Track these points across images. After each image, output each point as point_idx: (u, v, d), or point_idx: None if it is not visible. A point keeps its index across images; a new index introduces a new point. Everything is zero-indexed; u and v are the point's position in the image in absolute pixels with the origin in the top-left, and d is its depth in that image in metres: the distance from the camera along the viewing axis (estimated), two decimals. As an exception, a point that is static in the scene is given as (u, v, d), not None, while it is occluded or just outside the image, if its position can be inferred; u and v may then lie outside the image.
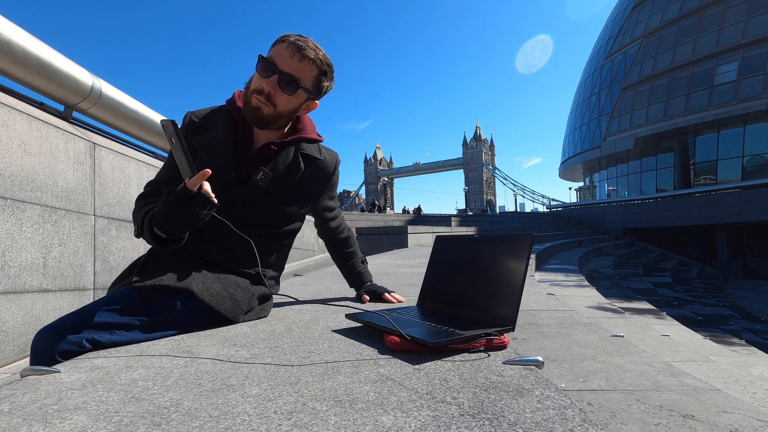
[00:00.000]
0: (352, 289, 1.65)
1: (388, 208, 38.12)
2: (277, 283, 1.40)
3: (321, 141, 1.36)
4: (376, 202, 35.47)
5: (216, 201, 1.07)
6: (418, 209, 35.87)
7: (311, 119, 1.36)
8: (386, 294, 1.55)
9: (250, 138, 1.25)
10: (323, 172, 1.35)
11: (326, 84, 1.24)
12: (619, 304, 5.44)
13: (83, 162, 2.58)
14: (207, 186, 1.05)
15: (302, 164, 1.27)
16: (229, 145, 1.21)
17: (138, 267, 1.15)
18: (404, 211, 37.47)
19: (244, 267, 1.22)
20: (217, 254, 1.20)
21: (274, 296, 1.38)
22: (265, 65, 1.15)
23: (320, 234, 1.58)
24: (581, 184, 38.22)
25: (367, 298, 1.54)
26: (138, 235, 1.15)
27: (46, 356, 0.91)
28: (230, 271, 1.20)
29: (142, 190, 1.26)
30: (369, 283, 1.61)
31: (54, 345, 0.92)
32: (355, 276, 1.61)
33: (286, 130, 1.28)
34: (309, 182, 1.32)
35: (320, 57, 1.18)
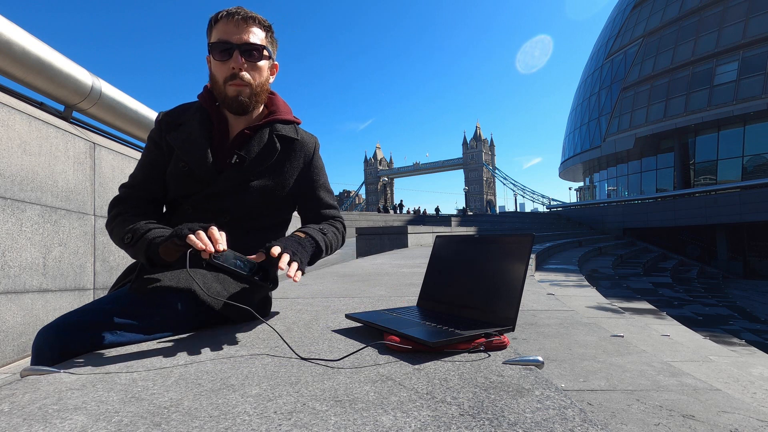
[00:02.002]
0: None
1: (390, 209, 38.18)
2: (275, 279, 1.36)
3: (298, 123, 1.32)
4: (403, 204, 36.45)
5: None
6: (437, 210, 36.30)
7: (285, 102, 1.32)
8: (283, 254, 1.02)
9: (225, 128, 1.23)
10: (302, 153, 1.29)
11: (274, 39, 1.24)
12: (619, 304, 5.44)
13: (83, 162, 2.58)
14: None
15: (278, 144, 1.23)
16: (204, 139, 1.19)
17: (138, 268, 1.15)
18: (416, 211, 37.64)
19: None
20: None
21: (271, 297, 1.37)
22: (220, 48, 1.13)
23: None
24: (581, 184, 38.25)
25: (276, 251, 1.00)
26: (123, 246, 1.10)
27: (47, 356, 0.91)
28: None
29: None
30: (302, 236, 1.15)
31: (55, 345, 0.92)
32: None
33: (260, 111, 1.26)
34: (288, 164, 1.26)
35: (259, 17, 1.18)
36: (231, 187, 1.18)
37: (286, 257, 0.99)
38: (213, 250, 0.92)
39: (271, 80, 1.26)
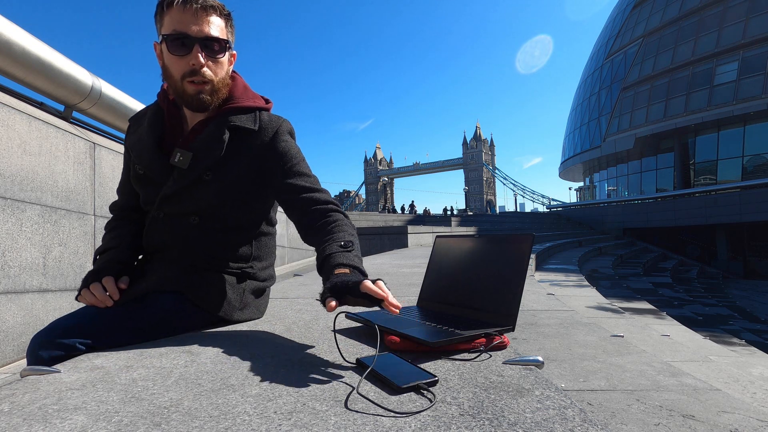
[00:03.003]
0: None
1: (399, 210, 38.08)
2: (270, 274, 1.30)
3: (265, 108, 1.17)
4: (414, 206, 36.57)
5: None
6: (445, 210, 36.46)
7: (246, 84, 1.19)
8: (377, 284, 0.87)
9: (180, 126, 1.15)
10: (260, 139, 1.12)
11: (233, 27, 1.13)
12: (619, 304, 5.44)
13: (83, 162, 2.58)
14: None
15: (226, 134, 1.09)
16: (152, 138, 1.12)
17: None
18: (425, 212, 37.74)
19: (225, 264, 1.16)
20: (191, 257, 1.14)
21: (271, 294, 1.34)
22: (177, 42, 1.02)
23: (300, 227, 1.14)
24: (581, 184, 38.25)
25: (333, 304, 0.82)
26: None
27: (41, 361, 0.90)
28: (213, 271, 1.15)
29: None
30: (345, 271, 0.92)
31: (49, 350, 0.91)
32: (326, 258, 0.98)
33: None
34: (243, 154, 1.12)
35: (218, 3, 1.06)
36: (184, 187, 1.09)
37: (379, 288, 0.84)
38: (110, 303, 1.01)
39: (230, 70, 1.15)
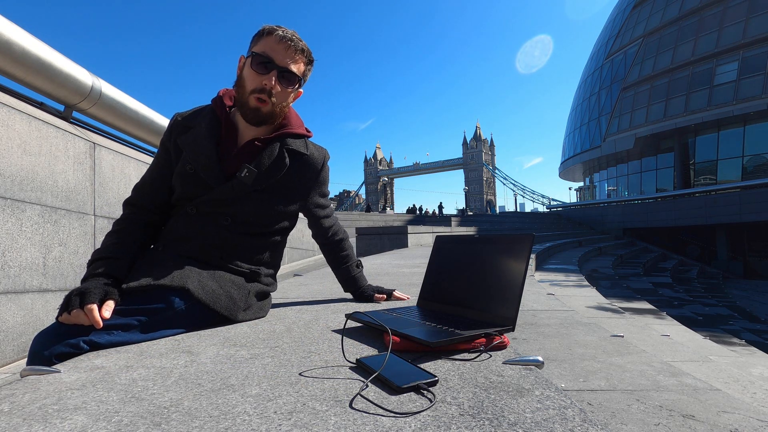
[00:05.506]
0: (347, 293, 1.63)
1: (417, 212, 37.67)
2: (274, 280, 1.38)
3: (309, 136, 1.35)
4: (443, 206, 36.68)
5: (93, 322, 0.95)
6: (462, 210, 36.06)
7: (297, 114, 1.35)
8: (394, 293, 1.59)
9: (234, 135, 1.25)
10: (310, 169, 1.34)
11: (310, 72, 1.30)
12: (619, 304, 5.44)
13: (83, 162, 2.58)
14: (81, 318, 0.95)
15: (287, 160, 1.25)
16: (211, 143, 1.21)
17: (133, 268, 1.14)
18: (433, 213, 37.50)
19: (237, 265, 1.22)
20: (209, 254, 1.20)
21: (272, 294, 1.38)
22: (262, 63, 1.17)
23: (314, 235, 1.54)
24: (581, 184, 38.25)
25: (383, 297, 1.55)
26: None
27: (43, 359, 0.90)
28: (224, 270, 1.20)
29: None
30: (366, 286, 1.59)
31: (52, 348, 0.91)
32: (350, 280, 1.57)
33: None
34: (296, 179, 1.30)
35: (307, 48, 1.24)
36: (236, 196, 1.20)
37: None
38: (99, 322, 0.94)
39: (291, 102, 1.30)
